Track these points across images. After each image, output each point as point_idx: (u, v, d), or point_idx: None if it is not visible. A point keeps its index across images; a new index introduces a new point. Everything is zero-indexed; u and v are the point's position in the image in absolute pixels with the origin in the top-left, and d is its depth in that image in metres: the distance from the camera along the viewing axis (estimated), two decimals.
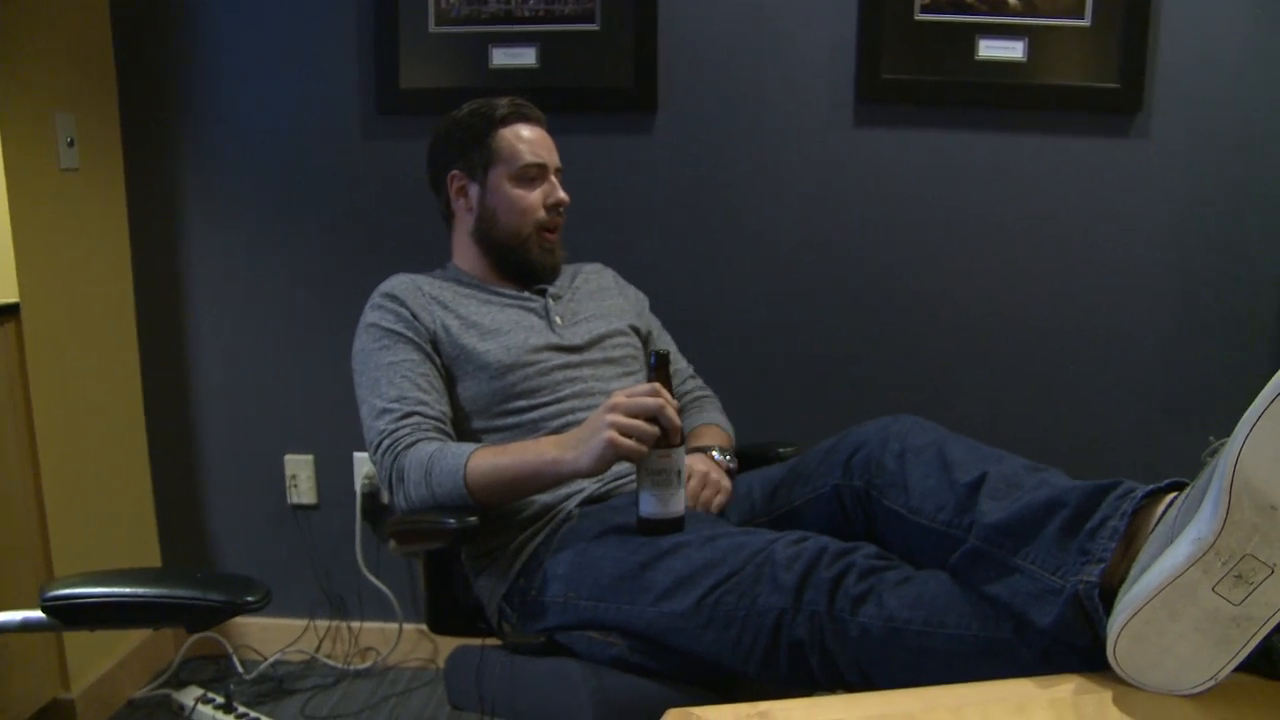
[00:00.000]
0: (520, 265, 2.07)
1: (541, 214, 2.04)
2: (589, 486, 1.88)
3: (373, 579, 2.90)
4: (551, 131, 2.11)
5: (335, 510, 2.92)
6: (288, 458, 2.91)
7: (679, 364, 2.28)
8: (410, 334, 1.91)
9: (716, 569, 1.53)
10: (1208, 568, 1.11)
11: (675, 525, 1.66)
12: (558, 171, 2.09)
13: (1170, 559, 1.14)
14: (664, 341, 2.28)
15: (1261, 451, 1.07)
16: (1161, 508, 1.25)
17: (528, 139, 2.04)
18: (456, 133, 2.07)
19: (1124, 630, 1.15)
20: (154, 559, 2.97)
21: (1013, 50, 2.55)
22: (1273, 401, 1.06)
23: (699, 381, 2.30)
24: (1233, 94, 2.55)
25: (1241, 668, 1.15)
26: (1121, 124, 2.58)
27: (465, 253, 2.11)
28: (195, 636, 2.94)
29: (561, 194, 2.06)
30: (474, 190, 2.06)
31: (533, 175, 2.04)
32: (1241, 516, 1.09)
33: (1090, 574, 1.24)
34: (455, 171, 2.07)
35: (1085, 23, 2.52)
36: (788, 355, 2.74)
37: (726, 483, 1.91)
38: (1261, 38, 2.52)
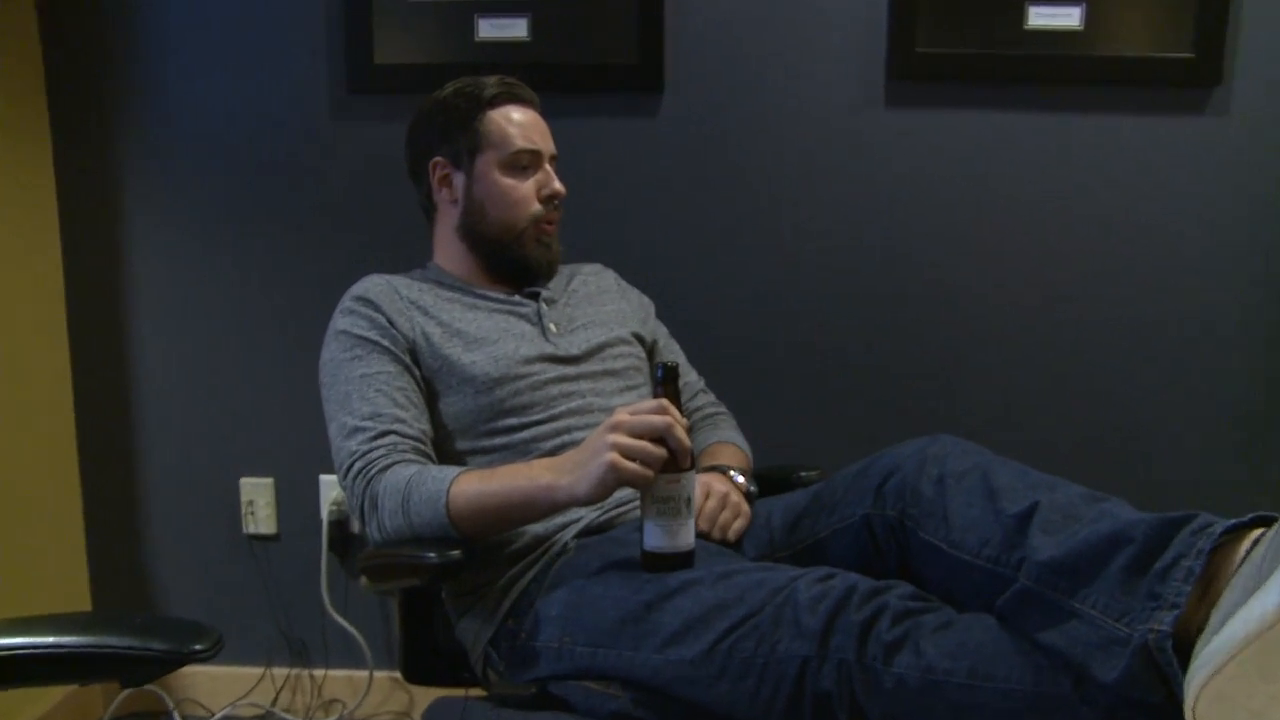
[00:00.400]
0: (514, 263, 2.07)
1: (535, 207, 2.04)
2: (587, 516, 1.88)
3: (340, 620, 2.89)
4: (545, 114, 2.11)
5: (298, 541, 2.90)
6: (244, 481, 2.89)
7: (689, 377, 2.27)
8: (386, 343, 1.90)
9: (731, 610, 1.52)
10: None
11: (684, 560, 1.65)
12: (552, 159, 2.09)
13: (1258, 607, 1.11)
14: (671, 351, 2.28)
15: None
16: (1245, 546, 1.24)
17: (519, 122, 2.05)
18: (439, 115, 2.07)
19: (1205, 689, 1.13)
20: (83, 601, 2.93)
21: (1068, 17, 2.54)
22: None
23: (711, 396, 2.30)
24: None
25: None
26: (1197, 99, 2.57)
27: (449, 250, 2.11)
28: (130, 690, 2.91)
29: (557, 185, 2.07)
30: (459, 180, 2.06)
31: (525, 163, 2.04)
32: None
33: (1162, 621, 1.22)
34: (438, 159, 2.07)
35: None
36: (811, 366, 2.73)
37: (746, 507, 1.91)
38: None
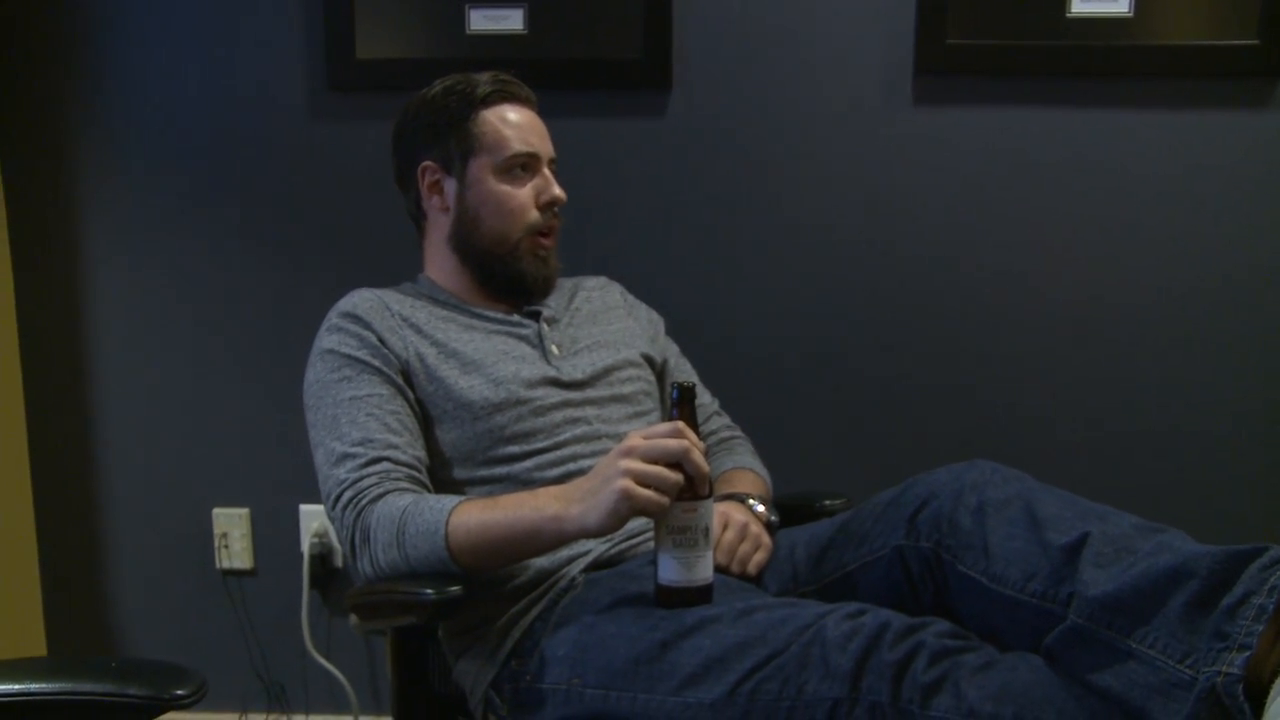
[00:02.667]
0: (508, 277, 2.07)
1: (533, 215, 2.05)
2: (596, 548, 1.88)
3: (322, 661, 2.88)
4: (544, 114, 2.11)
5: (276, 577, 2.90)
6: (217, 512, 2.88)
7: (702, 399, 2.27)
8: (377, 363, 1.90)
9: (754, 649, 1.52)
10: None
11: (702, 595, 1.65)
12: (551, 163, 2.09)
13: None
14: (683, 371, 2.29)
15: None
16: None
17: (515, 123, 2.05)
18: (428, 115, 2.07)
19: None
20: (38, 646, 2.88)
21: (1116, 3, 2.52)
22: None
23: (726, 419, 2.30)
24: None
25: None
26: (1262, 90, 2.57)
27: (440, 263, 2.11)
28: None
29: (557, 190, 2.07)
30: (450, 186, 2.06)
31: (522, 167, 2.04)
32: None
33: (1231, 664, 1.23)
34: (427, 163, 2.07)
35: None
36: (834, 385, 2.73)
37: (768, 538, 1.91)
38: None
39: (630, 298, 2.32)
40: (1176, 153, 2.60)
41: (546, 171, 2.07)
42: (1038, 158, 2.62)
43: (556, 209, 2.07)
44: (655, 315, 2.32)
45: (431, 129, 2.06)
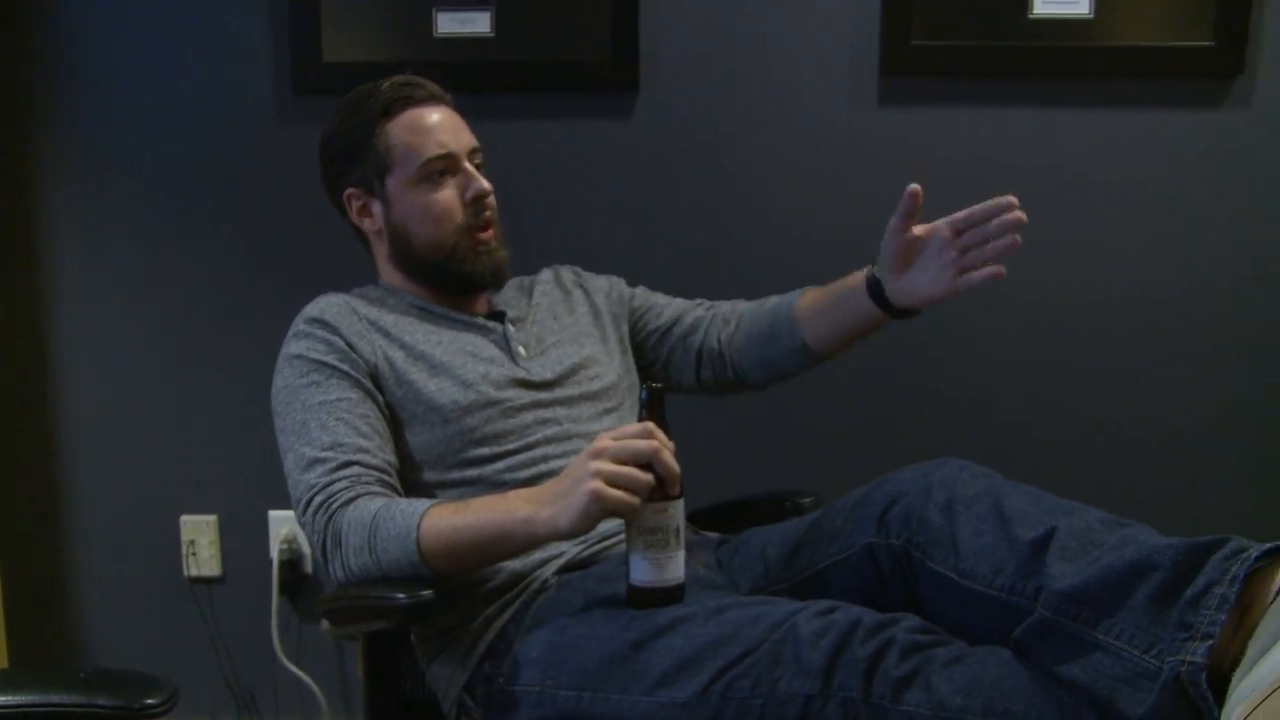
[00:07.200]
0: (457, 279, 2.04)
1: (460, 217, 2.01)
2: (569, 550, 1.88)
3: (292, 668, 2.87)
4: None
5: (244, 584, 2.88)
6: (184, 519, 2.87)
7: (692, 312, 2.26)
8: (346, 367, 1.89)
9: (726, 648, 1.54)
10: None
11: (674, 595, 1.66)
12: (473, 153, 2.04)
13: None
14: (662, 303, 2.28)
15: None
16: None
17: (423, 127, 2.00)
18: (339, 142, 2.04)
19: None
20: None
21: (1077, 5, 2.55)
22: None
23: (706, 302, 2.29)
24: None
25: None
26: (1216, 91, 2.60)
27: (391, 279, 2.10)
28: None
29: (481, 183, 2.01)
30: (376, 207, 2.04)
31: (440, 171, 2.00)
32: None
33: (1195, 653, 1.24)
34: (350, 190, 2.05)
35: None
36: (802, 384, 2.68)
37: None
38: None
39: (582, 274, 2.29)
40: (1135, 151, 2.63)
41: (467, 166, 2.02)
42: (1002, 157, 2.64)
43: (486, 201, 2.02)
44: (613, 280, 2.30)
45: (344, 155, 2.03)
